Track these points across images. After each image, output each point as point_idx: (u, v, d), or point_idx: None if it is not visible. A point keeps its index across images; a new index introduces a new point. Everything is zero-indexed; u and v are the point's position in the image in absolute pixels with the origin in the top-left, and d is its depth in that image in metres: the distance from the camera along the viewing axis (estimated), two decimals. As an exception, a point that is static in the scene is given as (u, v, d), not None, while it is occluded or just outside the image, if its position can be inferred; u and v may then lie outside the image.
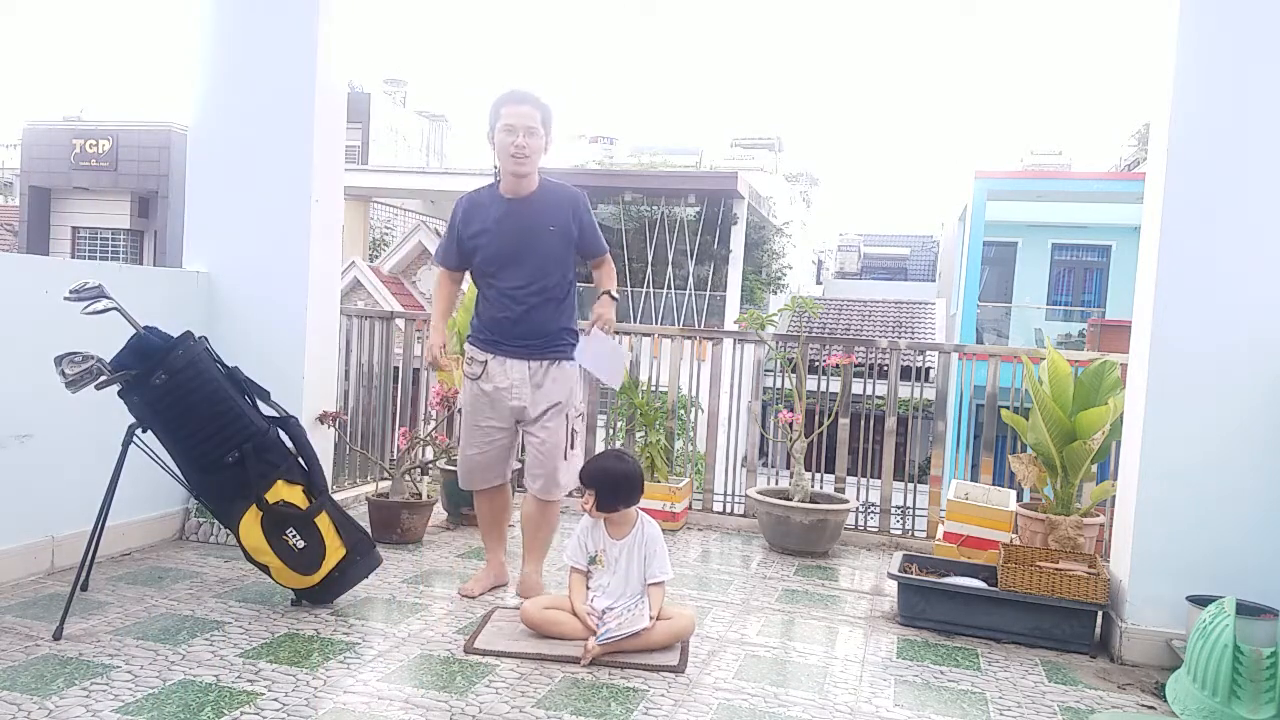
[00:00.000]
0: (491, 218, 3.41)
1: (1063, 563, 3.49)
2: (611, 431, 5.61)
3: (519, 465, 3.67)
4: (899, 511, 5.04)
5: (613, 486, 3.13)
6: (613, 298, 3.47)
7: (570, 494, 3.49)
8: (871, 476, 5.25)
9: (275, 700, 2.50)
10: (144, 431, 3.12)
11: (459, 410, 3.92)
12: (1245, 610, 2.80)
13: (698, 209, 17.00)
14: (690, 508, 5.18)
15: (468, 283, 3.67)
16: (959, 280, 18.29)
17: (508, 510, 3.71)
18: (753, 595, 3.82)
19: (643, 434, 5.20)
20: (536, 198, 3.42)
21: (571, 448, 3.46)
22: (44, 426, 3.45)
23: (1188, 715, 2.65)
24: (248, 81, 4.14)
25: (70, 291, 2.97)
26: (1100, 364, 3.98)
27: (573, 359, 3.45)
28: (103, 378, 2.98)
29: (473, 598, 3.50)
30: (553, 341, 3.42)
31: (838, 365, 4.96)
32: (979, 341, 17.22)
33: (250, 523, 3.14)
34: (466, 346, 3.55)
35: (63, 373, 2.91)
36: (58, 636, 2.83)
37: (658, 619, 3.04)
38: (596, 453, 3.24)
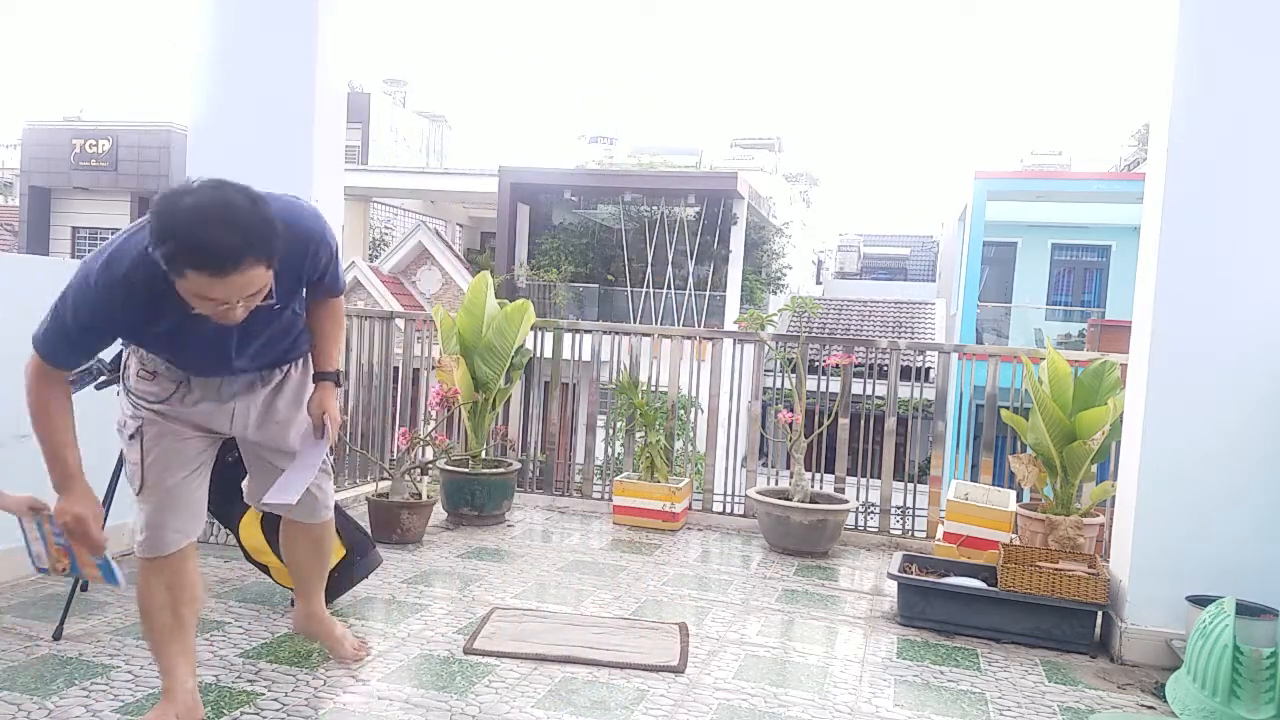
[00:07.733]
0: None
1: (1063, 563, 3.49)
2: (611, 432, 5.62)
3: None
4: (899, 512, 5.04)
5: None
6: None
7: None
8: (871, 476, 5.24)
9: (275, 700, 2.50)
10: (144, 431, 3.11)
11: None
12: (1245, 610, 2.80)
13: (697, 209, 17.00)
14: (690, 508, 5.18)
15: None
16: (959, 280, 18.28)
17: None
18: (753, 595, 3.82)
19: (643, 434, 5.20)
20: None
21: None
22: (44, 426, 3.44)
23: (1187, 715, 2.65)
24: (248, 81, 4.13)
25: (70, 291, 2.96)
26: (1100, 364, 3.99)
27: None
28: (103, 378, 2.97)
29: None
30: None
31: (837, 365, 4.96)
32: (979, 341, 17.22)
33: (250, 523, 3.14)
34: None
35: (63, 373, 2.90)
36: (58, 636, 2.84)
37: None
38: None
